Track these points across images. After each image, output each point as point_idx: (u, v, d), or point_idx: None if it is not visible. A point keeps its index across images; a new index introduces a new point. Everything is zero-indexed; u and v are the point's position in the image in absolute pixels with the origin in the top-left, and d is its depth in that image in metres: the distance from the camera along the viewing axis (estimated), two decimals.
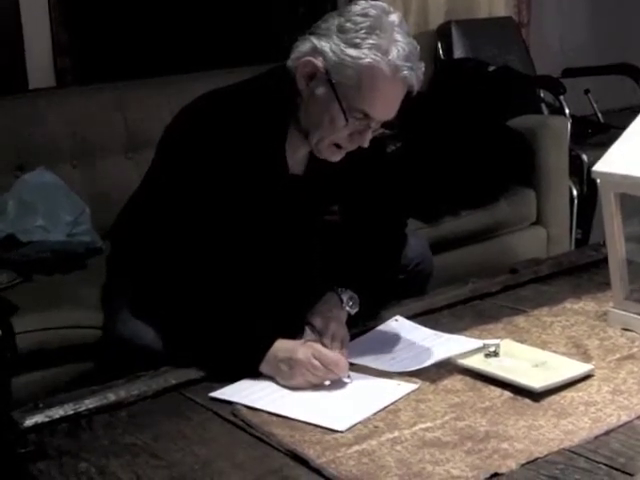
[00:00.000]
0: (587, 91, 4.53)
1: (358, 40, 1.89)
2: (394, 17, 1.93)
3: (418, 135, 3.39)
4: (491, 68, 3.91)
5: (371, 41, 1.89)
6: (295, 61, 1.97)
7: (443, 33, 4.37)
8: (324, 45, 1.92)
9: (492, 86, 3.74)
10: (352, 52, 1.89)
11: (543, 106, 4.27)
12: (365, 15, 1.91)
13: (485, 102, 3.61)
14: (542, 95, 4.32)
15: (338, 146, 2.00)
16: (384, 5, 1.97)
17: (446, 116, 3.51)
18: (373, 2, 1.96)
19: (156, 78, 3.37)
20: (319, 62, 1.93)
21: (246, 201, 2.01)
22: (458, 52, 4.30)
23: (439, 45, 4.34)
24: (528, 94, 4.23)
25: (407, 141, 3.32)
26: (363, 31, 1.89)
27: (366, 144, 1.98)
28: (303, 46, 1.96)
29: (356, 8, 1.93)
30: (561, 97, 3.97)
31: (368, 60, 1.88)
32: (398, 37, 1.90)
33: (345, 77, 1.91)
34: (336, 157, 2.02)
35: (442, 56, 4.32)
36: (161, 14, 3.84)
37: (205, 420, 1.76)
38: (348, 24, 1.91)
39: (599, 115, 4.51)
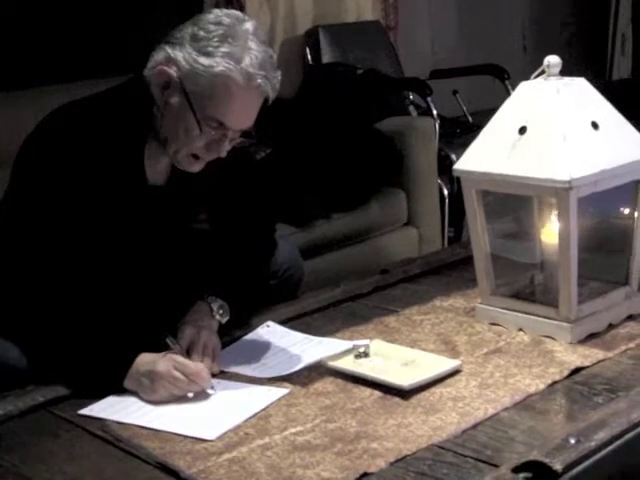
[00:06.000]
0: (455, 92, 4.61)
1: (211, 49, 1.88)
2: (249, 25, 1.92)
3: (288, 140, 3.40)
4: (359, 72, 3.95)
5: (224, 49, 1.87)
6: (150, 70, 1.95)
7: (311, 38, 4.38)
8: (177, 54, 1.90)
9: (360, 89, 3.77)
10: (204, 61, 1.88)
11: (411, 108, 4.33)
12: (218, 23, 1.90)
13: (353, 105, 3.64)
14: (411, 97, 4.38)
15: (196, 156, 1.98)
16: (239, 13, 1.97)
17: (315, 121, 3.53)
18: (227, 10, 1.96)
19: (19, 91, 3.28)
20: (173, 71, 1.91)
21: (106, 215, 1.97)
22: (326, 57, 4.32)
23: (307, 50, 4.35)
24: (396, 96, 4.28)
25: (277, 147, 3.33)
26: (216, 39, 1.88)
27: (223, 154, 1.97)
28: (158, 55, 1.94)
29: (210, 16, 1.92)
30: (428, 98, 4.01)
31: (220, 69, 1.87)
32: (252, 45, 1.89)
33: (199, 86, 1.89)
34: (195, 168, 2.00)
35: (310, 61, 4.33)
36: (23, 24, 3.75)
37: (74, 437, 1.73)
38: (201, 32, 1.89)
39: (468, 115, 4.60)
